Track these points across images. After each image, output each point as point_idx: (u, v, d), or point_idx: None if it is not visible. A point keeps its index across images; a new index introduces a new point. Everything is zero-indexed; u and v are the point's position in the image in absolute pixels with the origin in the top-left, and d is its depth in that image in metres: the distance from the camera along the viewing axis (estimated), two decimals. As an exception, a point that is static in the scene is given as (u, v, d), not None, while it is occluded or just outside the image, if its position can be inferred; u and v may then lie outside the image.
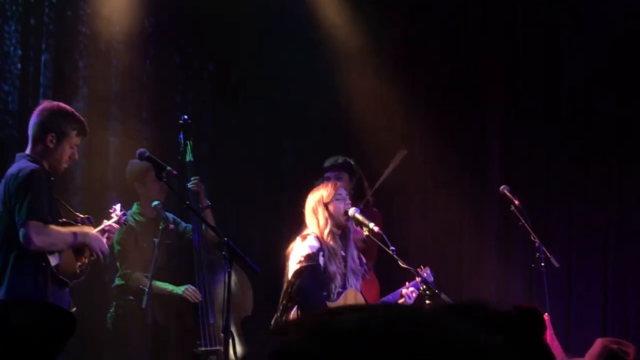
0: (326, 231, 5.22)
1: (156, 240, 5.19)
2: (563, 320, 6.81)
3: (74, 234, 4.51)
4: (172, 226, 5.68)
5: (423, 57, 7.44)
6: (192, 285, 5.72)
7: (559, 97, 7.28)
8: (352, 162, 6.34)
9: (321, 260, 5.19)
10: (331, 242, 5.22)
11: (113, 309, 5.74)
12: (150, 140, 6.40)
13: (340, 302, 5.21)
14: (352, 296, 5.29)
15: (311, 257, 5.13)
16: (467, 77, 7.36)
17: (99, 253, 4.60)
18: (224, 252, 4.64)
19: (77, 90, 6.43)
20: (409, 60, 7.51)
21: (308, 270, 5.10)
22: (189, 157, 5.92)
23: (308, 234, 5.23)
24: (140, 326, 5.39)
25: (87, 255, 4.61)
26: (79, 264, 4.58)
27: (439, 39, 7.39)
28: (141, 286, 5.39)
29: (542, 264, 5.73)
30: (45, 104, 4.71)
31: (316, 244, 5.18)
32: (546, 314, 5.45)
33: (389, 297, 5.50)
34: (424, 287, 4.99)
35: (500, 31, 7.40)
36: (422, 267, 5.56)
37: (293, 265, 5.13)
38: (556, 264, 5.79)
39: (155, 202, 5.47)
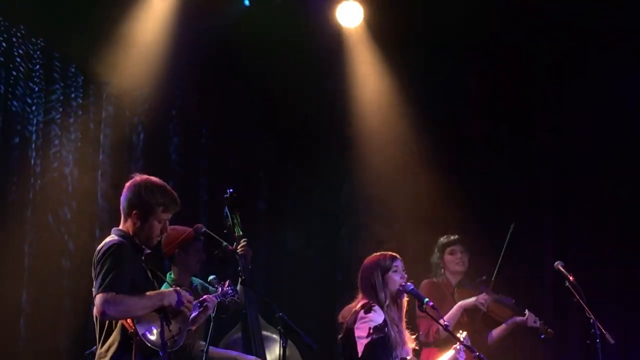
0: (387, 301, 5.23)
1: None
2: (619, 397, 6.71)
3: (149, 296, 4.31)
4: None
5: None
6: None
7: (611, 166, 7.28)
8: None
9: (386, 330, 5.19)
10: (391, 312, 5.23)
11: None
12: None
13: None
14: None
15: (379, 329, 5.11)
16: (520, 143, 7.39)
17: (184, 308, 4.38)
18: (279, 327, 4.62)
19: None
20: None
21: (379, 343, 5.09)
22: (238, 231, 5.89)
23: (372, 305, 5.20)
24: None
25: (180, 320, 4.42)
26: (172, 331, 4.36)
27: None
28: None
29: (598, 340, 5.67)
30: (134, 178, 4.52)
31: (383, 314, 5.18)
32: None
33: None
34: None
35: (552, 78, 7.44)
36: (460, 331, 5.66)
37: (361, 337, 5.08)
38: (612, 340, 5.72)
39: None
